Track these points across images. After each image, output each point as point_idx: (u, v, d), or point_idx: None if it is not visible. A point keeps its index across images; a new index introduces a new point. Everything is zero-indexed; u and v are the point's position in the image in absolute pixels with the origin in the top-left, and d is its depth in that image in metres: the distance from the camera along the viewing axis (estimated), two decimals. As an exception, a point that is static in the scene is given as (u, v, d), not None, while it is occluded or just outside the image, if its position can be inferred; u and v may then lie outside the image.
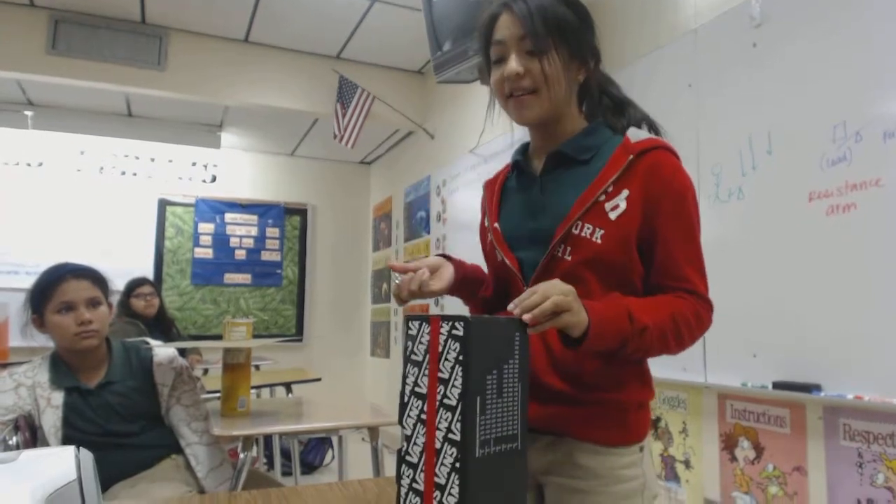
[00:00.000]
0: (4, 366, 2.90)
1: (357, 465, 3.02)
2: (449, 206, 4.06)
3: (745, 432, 1.91)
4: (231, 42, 4.03)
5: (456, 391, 0.72)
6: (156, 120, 4.91)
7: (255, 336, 2.31)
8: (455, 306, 1.09)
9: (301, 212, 5.71)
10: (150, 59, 3.80)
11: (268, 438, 3.80)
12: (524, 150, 1.08)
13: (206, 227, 5.29)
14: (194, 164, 5.32)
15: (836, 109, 1.63)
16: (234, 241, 5.38)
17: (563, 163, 0.99)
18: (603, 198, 0.92)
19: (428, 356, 0.77)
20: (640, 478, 0.94)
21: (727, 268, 1.89)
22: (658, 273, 0.93)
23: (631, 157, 0.92)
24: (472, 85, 3.23)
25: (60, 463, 0.64)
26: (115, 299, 1.74)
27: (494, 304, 1.08)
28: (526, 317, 0.76)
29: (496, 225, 1.05)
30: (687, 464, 2.13)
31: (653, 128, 1.03)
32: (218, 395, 2.00)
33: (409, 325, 0.81)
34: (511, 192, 1.08)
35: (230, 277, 5.33)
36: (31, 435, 1.51)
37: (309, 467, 4.11)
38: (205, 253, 5.27)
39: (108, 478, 1.51)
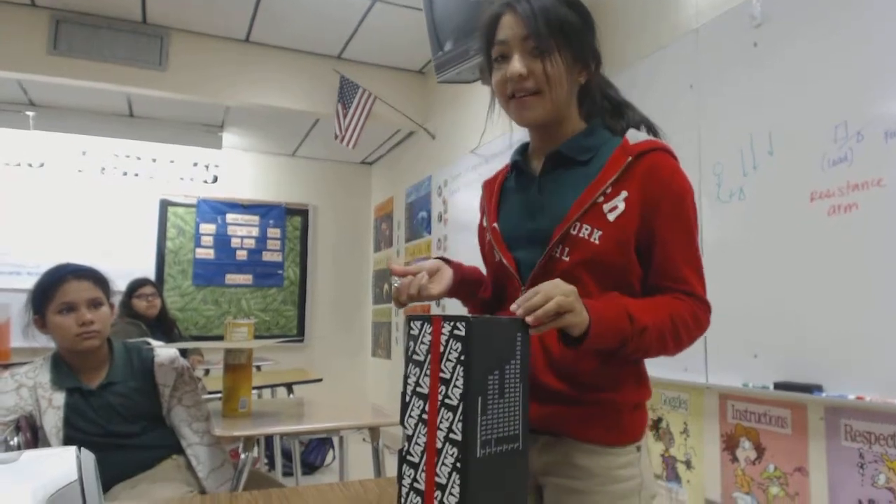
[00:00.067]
0: (6, 366, 2.90)
1: (358, 465, 3.02)
2: (450, 206, 4.06)
3: (746, 433, 1.91)
4: (232, 42, 4.03)
5: (457, 391, 0.72)
6: (157, 120, 4.92)
7: (257, 337, 2.31)
8: (457, 306, 1.09)
9: (302, 212, 5.71)
10: (152, 59, 3.80)
11: (269, 439, 3.80)
12: (523, 150, 1.08)
13: (208, 228, 5.29)
14: (195, 164, 5.33)
15: (837, 109, 1.62)
16: (235, 242, 5.38)
17: (562, 163, 0.99)
18: (601, 199, 0.92)
19: (429, 356, 0.77)
20: (637, 477, 0.94)
21: (728, 268, 1.89)
22: (656, 274, 0.94)
23: (630, 158, 0.92)
24: (473, 85, 3.24)
25: (62, 463, 0.64)
26: (116, 300, 1.74)
27: (493, 306, 1.08)
28: (529, 318, 0.76)
29: (495, 225, 1.05)
30: (688, 464, 2.13)
31: (651, 130, 1.03)
32: (219, 395, 2.01)
33: (411, 325, 0.81)
34: (510, 192, 1.08)
35: (231, 278, 5.34)
36: (33, 435, 1.52)
37: (310, 468, 4.11)
38: (206, 253, 5.27)
39: (110, 478, 1.51)
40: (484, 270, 1.13)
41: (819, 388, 1.63)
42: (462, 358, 0.72)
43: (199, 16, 3.72)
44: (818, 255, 1.65)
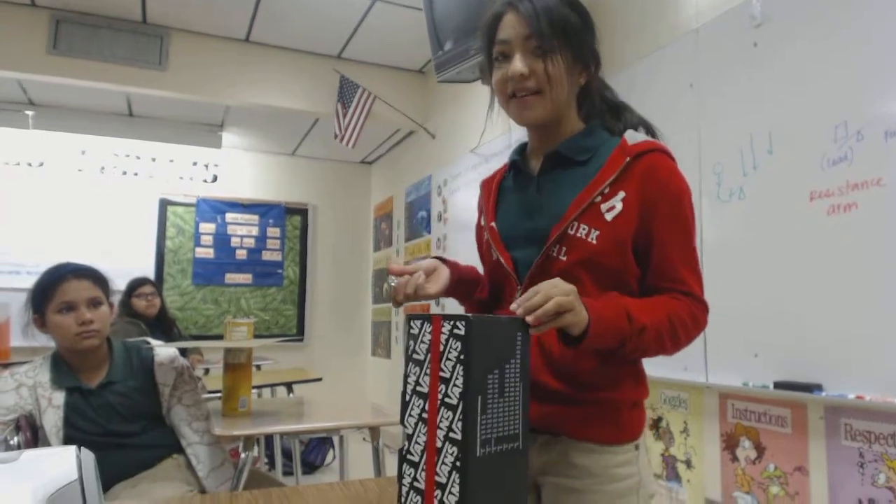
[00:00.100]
0: (6, 366, 2.90)
1: (358, 464, 3.02)
2: (450, 205, 4.06)
3: (746, 432, 1.91)
4: (232, 42, 4.03)
5: (457, 390, 0.72)
6: (157, 120, 4.91)
7: (256, 336, 2.31)
8: (457, 306, 1.09)
9: (302, 211, 5.71)
10: (151, 58, 3.80)
11: (269, 438, 3.80)
12: (522, 149, 1.09)
13: (207, 227, 5.29)
14: (195, 163, 5.32)
15: (837, 109, 1.62)
16: (234, 241, 5.38)
17: (560, 163, 0.99)
18: (599, 199, 0.92)
19: (429, 355, 0.77)
20: (635, 476, 0.94)
21: (728, 267, 1.89)
22: (654, 275, 0.94)
23: (628, 159, 0.93)
24: (473, 84, 3.24)
25: (62, 463, 0.64)
26: (116, 299, 1.74)
27: (490, 306, 1.08)
28: (529, 318, 0.76)
29: (493, 224, 1.05)
30: (688, 464, 2.13)
31: (649, 131, 1.03)
32: (219, 394, 2.01)
33: (411, 324, 0.81)
34: (508, 191, 1.08)
35: (231, 277, 5.34)
36: (33, 435, 1.52)
37: (310, 467, 4.12)
38: (206, 253, 5.27)
39: (110, 478, 1.51)
40: (482, 270, 1.13)
41: (819, 388, 1.63)
42: (462, 357, 0.72)
43: (199, 16, 3.72)
44: (818, 254, 1.65)
